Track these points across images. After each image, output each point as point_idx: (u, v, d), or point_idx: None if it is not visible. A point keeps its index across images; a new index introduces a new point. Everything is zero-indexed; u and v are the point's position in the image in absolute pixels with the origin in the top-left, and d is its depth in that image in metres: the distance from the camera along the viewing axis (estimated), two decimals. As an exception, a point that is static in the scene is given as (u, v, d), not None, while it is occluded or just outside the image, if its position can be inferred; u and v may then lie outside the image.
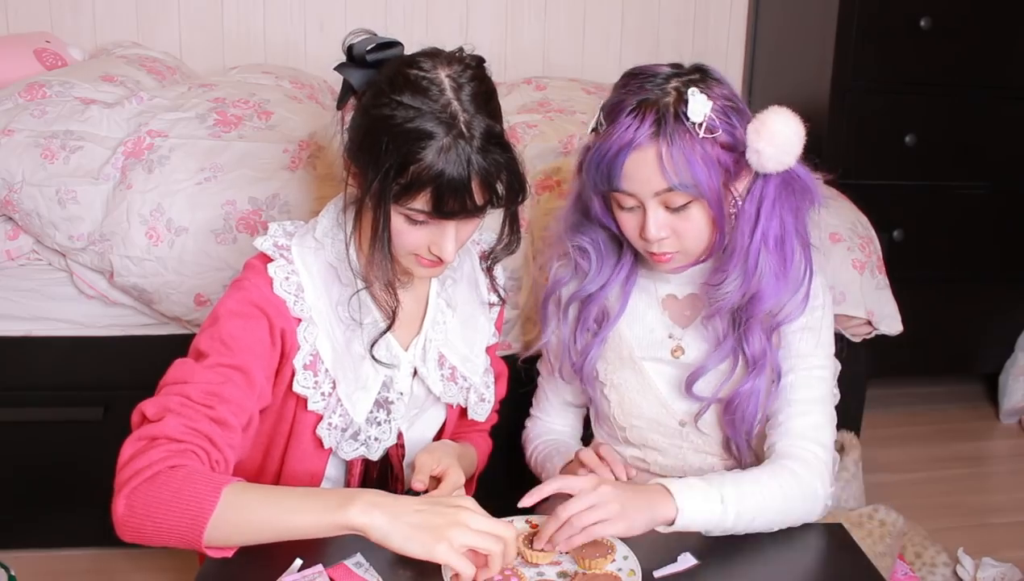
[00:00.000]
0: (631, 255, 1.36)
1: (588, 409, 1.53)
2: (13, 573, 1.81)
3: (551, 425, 1.54)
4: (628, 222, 1.27)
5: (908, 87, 2.48)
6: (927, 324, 2.53)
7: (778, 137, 1.19)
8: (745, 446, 1.34)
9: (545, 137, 2.05)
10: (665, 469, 1.41)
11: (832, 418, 1.31)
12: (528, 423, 1.56)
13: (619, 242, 1.35)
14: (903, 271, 2.04)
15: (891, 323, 1.95)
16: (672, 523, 1.16)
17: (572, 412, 1.55)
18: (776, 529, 1.22)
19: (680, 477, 1.38)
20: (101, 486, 2.01)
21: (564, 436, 1.54)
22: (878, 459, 2.38)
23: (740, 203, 1.25)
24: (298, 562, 1.12)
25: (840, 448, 1.83)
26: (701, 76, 1.22)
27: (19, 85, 1.97)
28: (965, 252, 2.63)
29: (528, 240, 1.88)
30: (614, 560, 1.14)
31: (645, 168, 1.19)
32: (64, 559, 2.04)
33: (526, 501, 1.13)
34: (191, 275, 1.79)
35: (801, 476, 1.23)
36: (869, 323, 1.93)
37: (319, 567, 1.11)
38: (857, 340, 1.95)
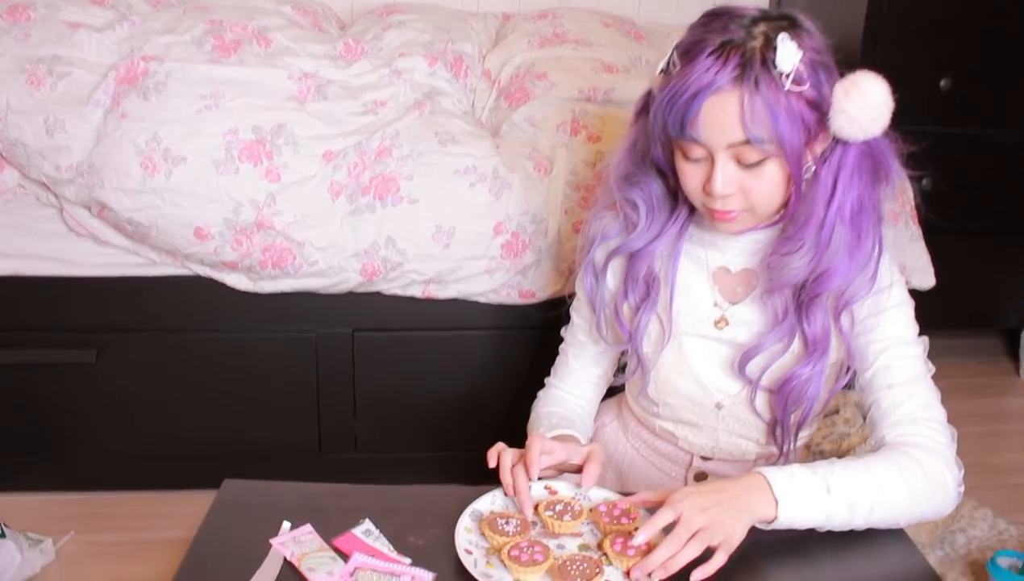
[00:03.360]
0: (685, 213, 1.25)
1: (613, 375, 1.43)
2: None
3: (567, 397, 1.42)
4: (692, 175, 1.15)
5: (944, 28, 2.35)
6: (950, 276, 2.44)
7: (869, 102, 1.08)
8: (792, 432, 1.25)
9: (561, 87, 1.94)
10: (694, 447, 1.33)
11: (938, 394, 1.19)
12: (541, 393, 1.44)
13: (674, 197, 1.24)
14: (929, 221, 1.93)
15: (923, 277, 1.87)
16: (773, 521, 1.04)
17: (593, 387, 1.43)
18: (903, 524, 1.10)
19: (712, 458, 1.33)
20: (94, 430, 1.99)
21: (578, 409, 1.42)
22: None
23: (813, 169, 1.14)
24: (287, 524, 1.08)
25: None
26: (790, 23, 1.10)
27: (0, 7, 1.84)
28: (993, 203, 2.53)
29: (555, 183, 1.78)
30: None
31: (723, 116, 1.07)
32: (56, 503, 1.99)
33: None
34: (189, 207, 1.69)
35: (925, 463, 1.10)
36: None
37: (307, 527, 1.07)
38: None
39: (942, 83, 2.35)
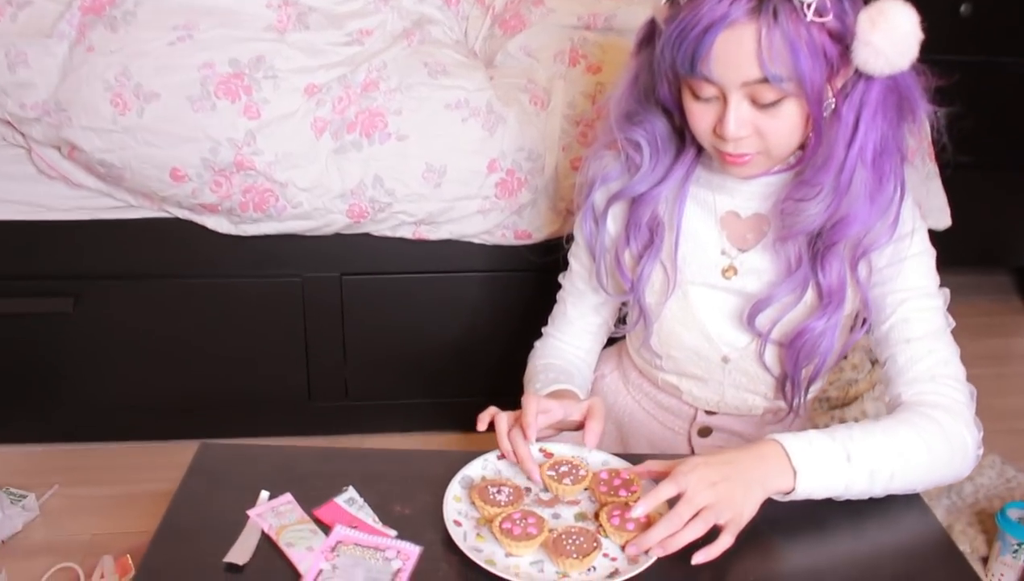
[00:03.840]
0: (692, 153, 1.15)
1: (614, 326, 1.35)
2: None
3: (565, 347, 1.34)
4: (702, 115, 1.05)
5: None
6: (961, 212, 2.36)
7: (897, 32, 0.96)
8: (803, 387, 1.18)
9: (560, 13, 1.82)
10: (699, 401, 1.27)
11: (957, 351, 1.11)
12: (538, 343, 1.36)
13: (680, 136, 1.15)
14: (941, 155, 1.82)
15: (939, 217, 1.79)
16: (790, 492, 0.98)
17: (592, 337, 1.35)
18: (921, 489, 1.04)
19: (717, 412, 1.26)
20: (75, 381, 1.92)
21: (576, 361, 1.34)
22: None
23: (833, 106, 1.03)
24: (265, 494, 1.01)
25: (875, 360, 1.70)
26: None
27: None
28: (1009, 136, 2.43)
29: (553, 117, 1.68)
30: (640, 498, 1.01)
31: (738, 51, 0.97)
32: (38, 456, 1.94)
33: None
34: (164, 147, 1.59)
35: (944, 424, 1.03)
36: (917, 215, 1.76)
37: (287, 496, 1.01)
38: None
39: (962, 8, 2.23)
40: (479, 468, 1.06)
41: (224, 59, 1.60)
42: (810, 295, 1.13)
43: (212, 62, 1.59)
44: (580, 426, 1.10)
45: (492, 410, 1.10)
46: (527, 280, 1.79)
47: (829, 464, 0.98)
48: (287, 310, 1.82)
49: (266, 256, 1.76)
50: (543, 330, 1.36)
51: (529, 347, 1.36)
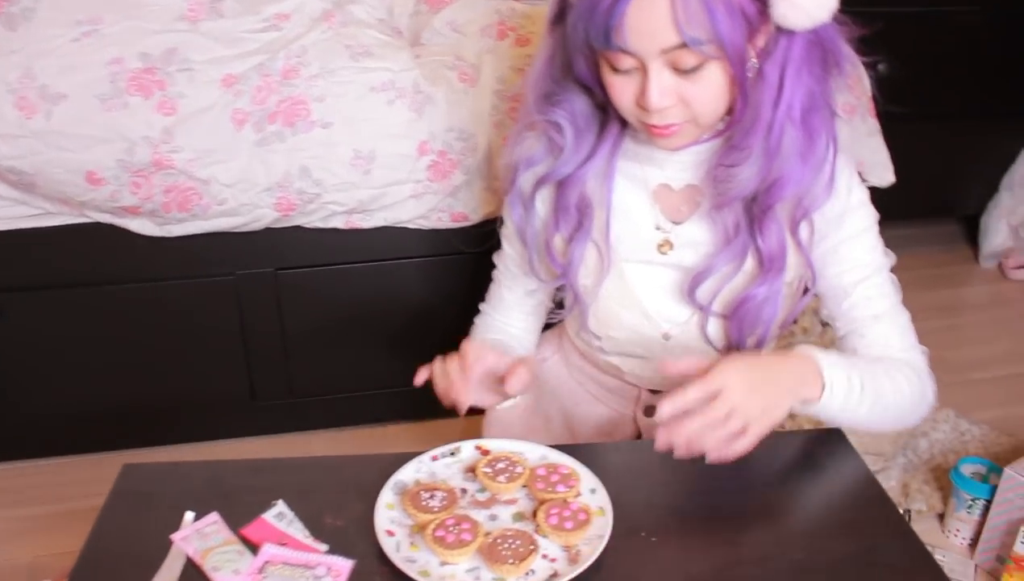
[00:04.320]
0: (616, 128, 1.11)
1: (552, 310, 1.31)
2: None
3: (503, 325, 1.31)
4: (622, 88, 1.00)
5: None
6: (909, 164, 2.35)
7: None
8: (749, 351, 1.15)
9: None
10: (642, 381, 1.24)
11: (908, 315, 1.17)
12: (477, 320, 1.33)
13: (603, 111, 1.10)
14: (885, 108, 1.80)
15: (882, 172, 1.77)
16: (818, 400, 1.01)
17: (530, 317, 1.31)
18: (888, 428, 1.17)
19: (661, 391, 1.23)
20: (6, 397, 1.82)
21: (518, 335, 1.30)
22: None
23: (757, 65, 0.99)
24: (190, 515, 0.97)
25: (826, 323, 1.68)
26: None
27: None
28: (953, 87, 2.41)
29: (483, 94, 1.63)
30: (579, 493, 0.98)
31: (652, 17, 0.92)
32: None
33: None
34: (77, 150, 1.52)
35: (920, 377, 1.11)
36: (858, 174, 1.73)
37: (213, 516, 0.96)
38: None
39: (899, -42, 2.20)
40: (412, 471, 1.03)
41: (134, 53, 1.53)
42: (750, 263, 1.10)
43: (121, 57, 1.52)
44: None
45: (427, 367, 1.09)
46: (466, 262, 1.75)
47: (849, 387, 1.02)
48: (222, 310, 1.76)
49: (196, 256, 1.69)
50: (480, 307, 1.32)
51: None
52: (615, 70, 0.99)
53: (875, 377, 1.05)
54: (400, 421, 1.97)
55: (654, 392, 1.24)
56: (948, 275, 2.56)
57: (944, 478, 1.74)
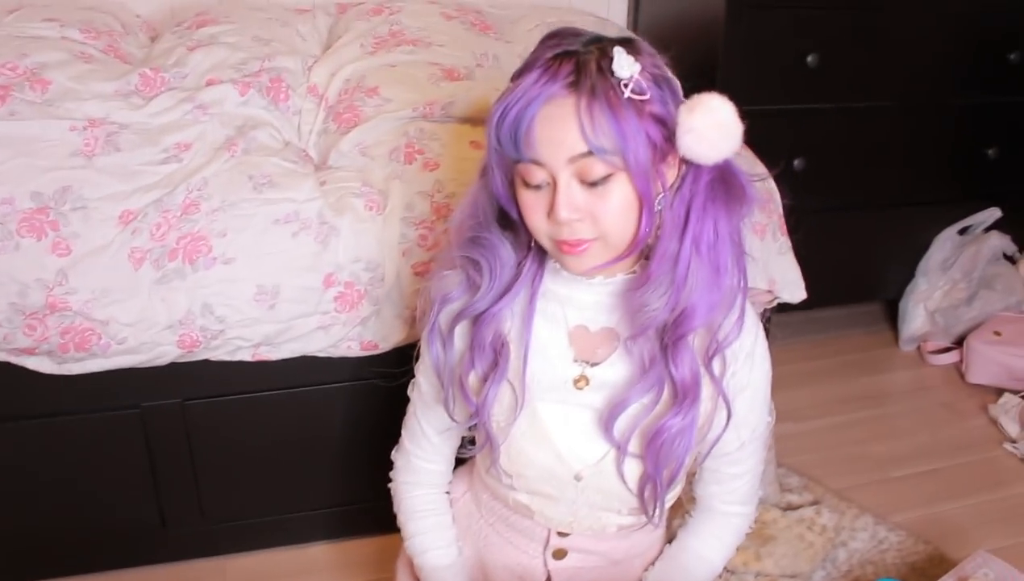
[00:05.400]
0: (535, 268, 1.13)
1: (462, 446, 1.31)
2: None
3: (422, 466, 1.31)
4: (534, 205, 1.03)
5: (809, 2, 2.21)
6: (830, 253, 2.41)
7: (716, 115, 0.99)
8: (664, 488, 1.14)
9: (395, 103, 1.75)
10: (551, 522, 1.22)
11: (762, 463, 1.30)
12: (397, 457, 1.34)
13: (523, 251, 1.13)
14: (805, 201, 1.81)
15: (794, 290, 1.78)
16: None
17: (447, 447, 1.31)
18: None
19: (569, 533, 1.23)
20: None
21: (433, 484, 1.33)
22: (783, 405, 2.24)
23: (666, 200, 1.04)
24: None
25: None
26: (628, 41, 1.01)
27: None
28: (869, 176, 2.46)
29: (390, 222, 1.61)
30: None
31: (560, 126, 0.97)
32: None
33: None
34: (-32, 301, 1.48)
35: (740, 534, 1.31)
36: (770, 292, 1.75)
37: None
38: (757, 310, 1.77)
39: (809, 59, 2.23)
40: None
41: (25, 193, 1.48)
42: (665, 396, 1.10)
43: (11, 197, 1.48)
44: None
45: None
46: (379, 388, 1.72)
47: None
48: (127, 442, 1.70)
49: (98, 390, 1.63)
50: (400, 442, 1.32)
51: (388, 448, 1.32)
52: (527, 185, 1.02)
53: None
54: (319, 540, 1.93)
55: (562, 535, 1.23)
56: (871, 360, 2.59)
57: (861, 591, 1.74)
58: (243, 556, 1.89)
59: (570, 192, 0.99)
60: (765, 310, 1.80)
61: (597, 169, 0.97)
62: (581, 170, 0.98)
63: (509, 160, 1.02)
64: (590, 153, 0.96)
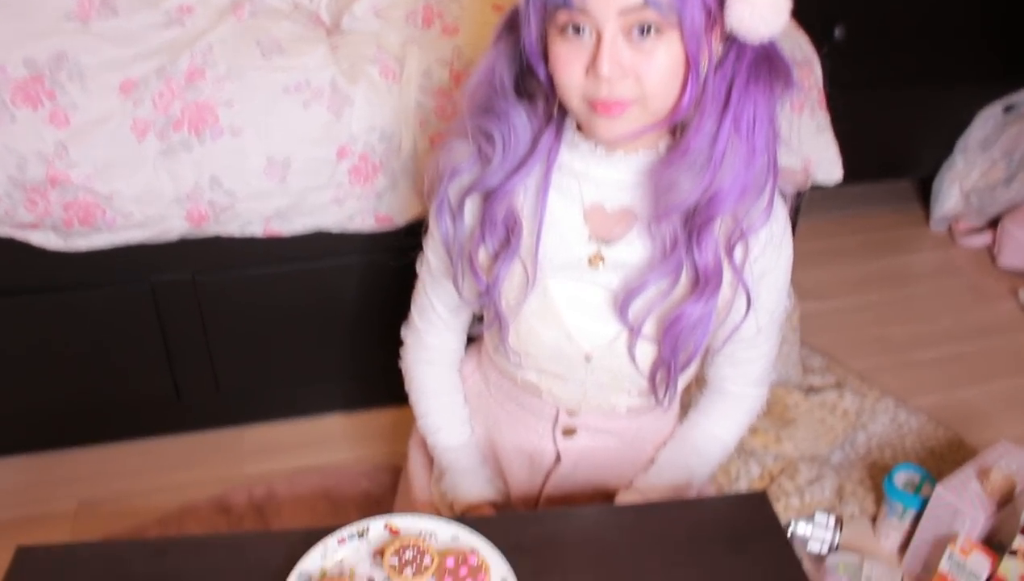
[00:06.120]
0: (551, 140, 1.06)
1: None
2: None
3: (433, 342, 1.27)
4: (571, 58, 0.96)
5: None
6: (865, 127, 2.27)
7: None
8: (677, 373, 1.12)
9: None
10: (560, 401, 1.20)
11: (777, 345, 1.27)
12: (407, 334, 1.29)
13: (540, 122, 1.06)
14: (843, 73, 1.72)
15: (830, 169, 1.70)
16: None
17: (458, 322, 1.27)
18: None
19: (578, 412, 1.21)
20: None
21: (445, 362, 1.29)
22: (806, 283, 2.21)
23: (709, 73, 0.98)
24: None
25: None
26: None
27: None
28: (910, 48, 2.32)
29: (407, 90, 1.52)
30: (492, 584, 0.95)
31: None
32: None
33: None
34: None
35: (753, 414, 1.27)
36: (804, 172, 1.67)
37: None
38: (790, 192, 1.69)
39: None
40: (318, 559, 0.98)
41: (17, 60, 1.40)
42: (684, 282, 1.06)
43: (3, 65, 1.39)
44: None
45: None
46: (394, 262, 1.68)
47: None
48: (139, 317, 1.68)
49: (106, 264, 1.59)
50: (409, 319, 1.27)
51: (400, 318, 1.28)
52: (564, 38, 0.95)
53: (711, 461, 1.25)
54: (334, 412, 1.93)
55: (571, 414, 1.21)
56: (897, 239, 2.52)
57: (880, 476, 1.73)
58: (260, 426, 1.90)
59: (615, 47, 0.92)
60: (799, 192, 1.71)
61: (650, 15, 0.90)
62: (631, 23, 0.91)
63: (549, 6, 0.94)
64: (645, 5, 0.89)
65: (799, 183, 1.66)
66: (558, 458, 1.25)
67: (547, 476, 1.27)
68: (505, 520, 1.11)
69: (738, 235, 1.04)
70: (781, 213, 1.09)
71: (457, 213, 1.11)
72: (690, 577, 1.00)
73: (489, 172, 1.06)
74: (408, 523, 1.02)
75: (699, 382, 1.27)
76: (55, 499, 1.75)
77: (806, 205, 2.04)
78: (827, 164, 1.67)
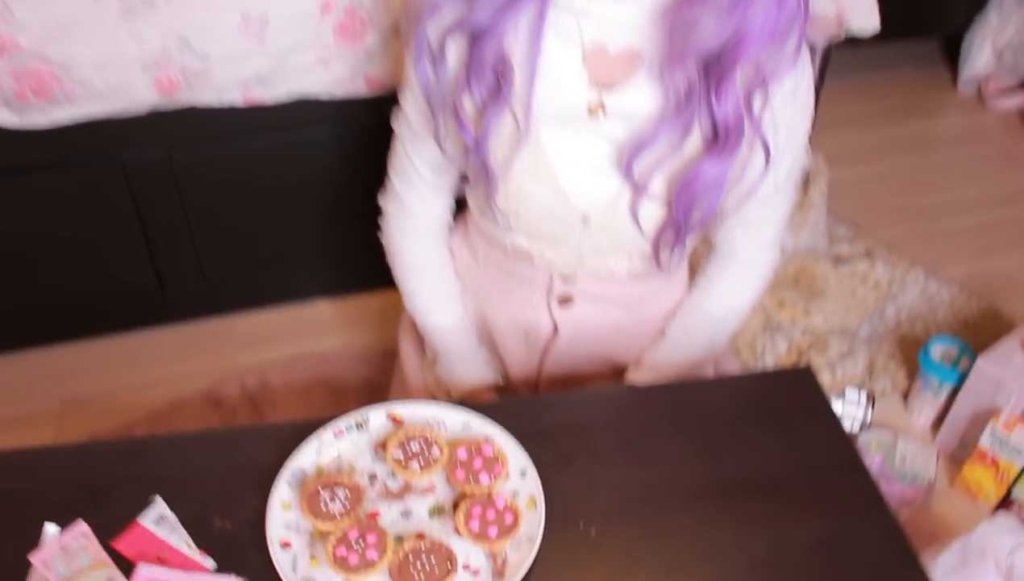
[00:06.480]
0: None
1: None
2: None
3: (417, 208, 1.13)
4: None
5: None
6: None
7: None
8: (686, 234, 1.00)
9: None
10: (554, 266, 1.08)
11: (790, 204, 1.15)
12: (386, 203, 1.15)
13: None
14: None
15: (866, 17, 1.54)
16: None
17: (443, 182, 1.12)
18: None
19: (574, 278, 1.09)
20: None
21: (431, 230, 1.15)
22: (831, 148, 2.06)
23: None
24: (51, 529, 0.83)
25: (806, 179, 1.53)
26: None
27: None
28: None
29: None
30: (508, 476, 0.86)
31: None
32: None
33: None
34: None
35: (767, 278, 1.16)
36: (838, 18, 1.51)
37: (80, 526, 0.83)
38: (821, 43, 1.54)
39: None
40: (312, 454, 0.88)
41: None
42: (698, 137, 0.94)
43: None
44: None
45: None
46: (384, 133, 1.54)
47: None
48: (113, 200, 1.55)
49: (72, 144, 1.45)
50: (387, 184, 1.13)
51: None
52: None
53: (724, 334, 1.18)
54: (322, 296, 1.83)
55: (566, 280, 1.09)
56: (923, 102, 2.36)
57: (911, 350, 1.64)
58: (249, 315, 1.80)
59: None
60: (830, 43, 1.56)
61: None
62: None
63: None
64: None
65: (831, 33, 1.51)
66: (555, 331, 1.14)
67: (545, 351, 1.16)
68: (519, 404, 1.01)
69: (758, 83, 0.91)
70: (806, 61, 0.95)
71: (438, 57, 0.96)
72: (728, 462, 0.90)
73: (476, 8, 0.91)
74: (413, 411, 0.92)
75: (705, 246, 1.15)
76: (37, 399, 1.67)
77: (833, 64, 1.88)
78: (863, 11, 1.51)
